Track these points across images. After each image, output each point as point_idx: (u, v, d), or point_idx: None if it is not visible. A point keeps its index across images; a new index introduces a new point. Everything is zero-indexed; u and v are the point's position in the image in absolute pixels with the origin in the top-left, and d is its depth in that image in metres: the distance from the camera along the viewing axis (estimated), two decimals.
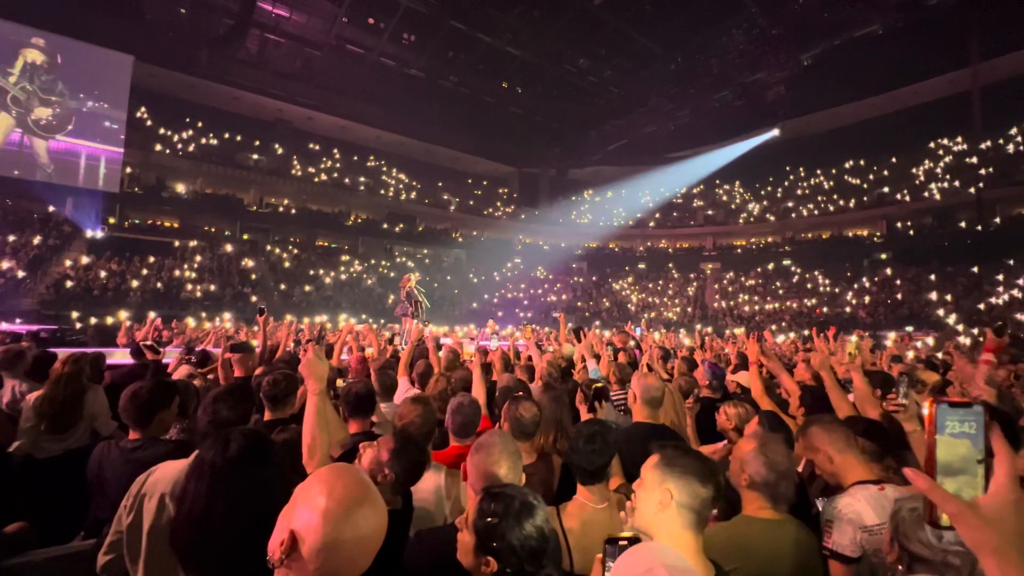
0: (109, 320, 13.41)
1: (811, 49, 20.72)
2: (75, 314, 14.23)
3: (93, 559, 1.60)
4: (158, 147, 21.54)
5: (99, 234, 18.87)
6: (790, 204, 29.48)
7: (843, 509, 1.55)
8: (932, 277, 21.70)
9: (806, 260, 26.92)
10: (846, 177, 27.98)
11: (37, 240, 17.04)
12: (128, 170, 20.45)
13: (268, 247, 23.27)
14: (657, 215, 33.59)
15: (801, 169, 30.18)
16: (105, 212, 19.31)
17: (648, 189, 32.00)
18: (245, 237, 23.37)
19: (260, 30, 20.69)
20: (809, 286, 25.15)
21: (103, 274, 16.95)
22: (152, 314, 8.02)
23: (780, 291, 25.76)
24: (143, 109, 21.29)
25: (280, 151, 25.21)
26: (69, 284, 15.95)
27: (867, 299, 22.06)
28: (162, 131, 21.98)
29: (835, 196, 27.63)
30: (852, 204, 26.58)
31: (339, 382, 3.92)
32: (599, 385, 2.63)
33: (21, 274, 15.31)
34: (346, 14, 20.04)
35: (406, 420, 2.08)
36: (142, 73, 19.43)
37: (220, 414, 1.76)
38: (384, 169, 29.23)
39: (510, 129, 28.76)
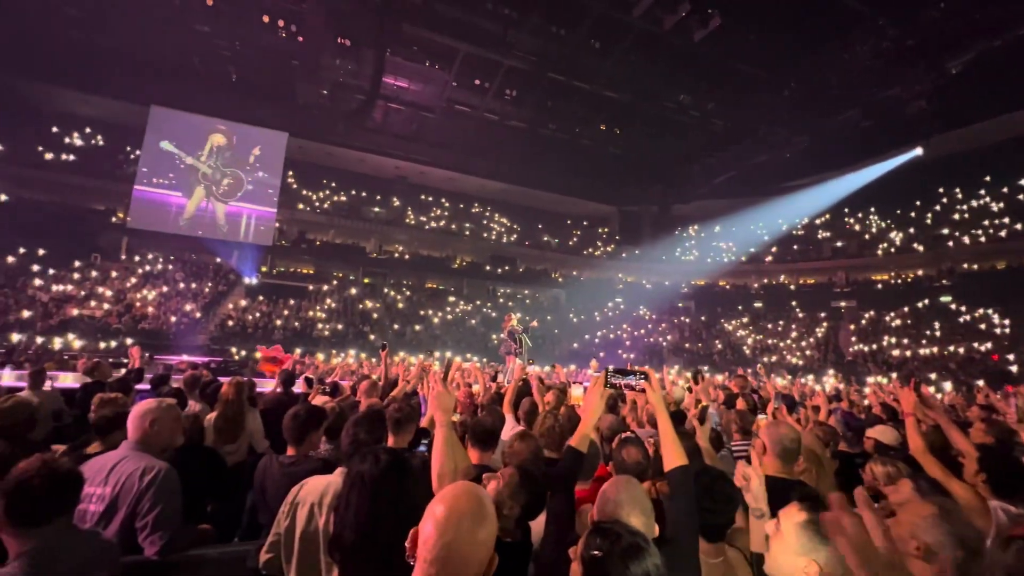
0: (258, 355, 15.69)
1: (960, 56, 18.04)
2: (234, 349, 16.89)
3: (252, 559, 1.87)
4: (300, 205, 25.57)
5: (255, 281, 22.46)
6: (944, 231, 25.29)
7: None
8: None
9: (973, 296, 22.54)
10: (1021, 197, 23.35)
11: (209, 287, 20.71)
12: (277, 225, 24.29)
13: (385, 290, 25.68)
14: (774, 249, 30.76)
15: (957, 190, 25.87)
16: (260, 262, 23.02)
17: (762, 222, 29.45)
18: (366, 281, 26.14)
19: (384, 101, 23.75)
20: (983, 327, 20.94)
21: (252, 316, 19.94)
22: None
23: (938, 333, 21.79)
24: (290, 173, 25.46)
25: (397, 203, 28.22)
26: (230, 323, 19.00)
27: None
28: (304, 192, 26.14)
29: (1007, 219, 23.13)
30: None
31: None
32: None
33: (198, 315, 18.63)
34: (455, 79, 22.23)
35: (518, 457, 2.11)
36: (291, 145, 23.38)
37: (359, 436, 2.01)
38: (487, 215, 31.01)
39: (609, 169, 28.88)
